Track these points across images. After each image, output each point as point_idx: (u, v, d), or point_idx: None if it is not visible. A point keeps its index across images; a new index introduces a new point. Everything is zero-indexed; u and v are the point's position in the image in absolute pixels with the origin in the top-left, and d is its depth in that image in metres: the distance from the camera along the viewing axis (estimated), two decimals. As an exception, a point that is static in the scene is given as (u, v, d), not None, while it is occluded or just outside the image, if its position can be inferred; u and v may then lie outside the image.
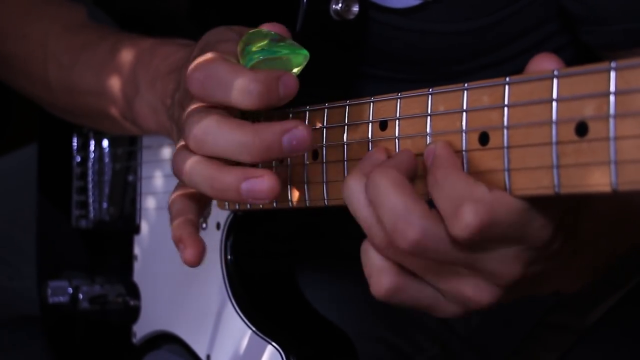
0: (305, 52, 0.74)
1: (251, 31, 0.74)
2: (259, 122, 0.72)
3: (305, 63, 0.74)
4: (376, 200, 0.64)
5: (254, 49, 0.73)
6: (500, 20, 0.92)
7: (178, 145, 0.77)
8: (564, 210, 0.65)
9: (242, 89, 0.70)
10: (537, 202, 0.63)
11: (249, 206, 0.86)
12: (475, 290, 0.66)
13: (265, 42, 0.73)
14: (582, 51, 0.96)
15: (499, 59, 0.96)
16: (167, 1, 1.11)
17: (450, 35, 0.92)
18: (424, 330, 1.04)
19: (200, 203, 0.81)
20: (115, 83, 0.96)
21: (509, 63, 0.95)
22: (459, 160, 0.66)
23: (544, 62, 0.63)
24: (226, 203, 0.88)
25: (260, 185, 0.70)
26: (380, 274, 0.66)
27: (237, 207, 0.88)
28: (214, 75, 0.71)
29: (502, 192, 0.63)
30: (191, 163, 0.73)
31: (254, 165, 0.74)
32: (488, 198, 0.62)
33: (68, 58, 1.04)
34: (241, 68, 0.71)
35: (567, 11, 0.90)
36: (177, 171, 0.75)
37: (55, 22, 1.07)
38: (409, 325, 1.04)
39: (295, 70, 0.74)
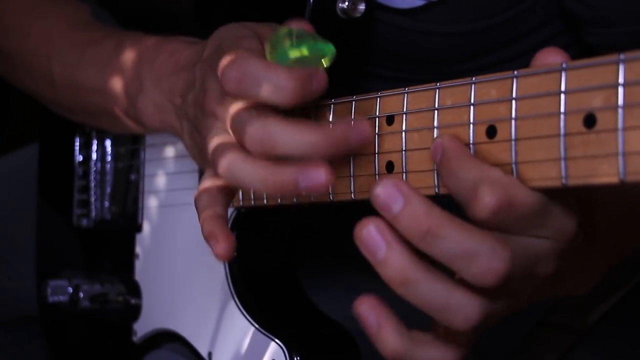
0: (332, 48, 0.75)
1: (279, 31, 0.75)
2: (319, 122, 0.73)
3: (333, 58, 0.75)
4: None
5: (284, 47, 0.73)
6: (504, 21, 0.92)
7: (215, 143, 0.76)
8: (579, 205, 0.65)
9: (278, 86, 0.71)
10: (552, 193, 0.64)
11: (252, 202, 0.87)
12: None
13: (293, 40, 0.74)
14: (585, 52, 0.97)
15: (501, 59, 0.96)
16: (170, 1, 1.11)
17: (453, 36, 0.93)
18: (427, 328, 1.04)
19: (228, 195, 0.81)
20: (118, 80, 0.96)
21: (511, 63, 0.96)
22: (469, 150, 0.66)
23: (550, 56, 0.64)
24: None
25: (319, 176, 0.69)
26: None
27: (240, 203, 0.88)
28: (250, 72, 0.72)
29: (518, 179, 0.63)
30: (236, 160, 0.73)
31: None
32: (504, 180, 0.62)
33: (72, 55, 1.04)
34: (275, 65, 0.72)
35: (570, 13, 0.91)
36: (215, 168, 0.74)
37: (60, 20, 1.08)
38: (411, 325, 1.03)
39: (325, 65, 0.75)
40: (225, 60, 0.73)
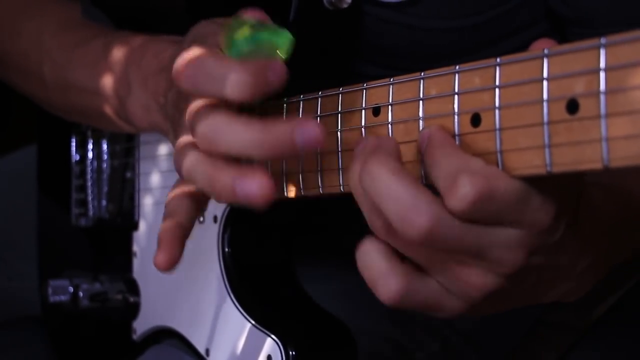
0: (289, 35, 0.73)
1: (231, 22, 0.73)
2: (267, 118, 0.71)
3: (290, 46, 0.73)
4: (374, 190, 0.63)
5: (237, 39, 0.72)
6: (491, 19, 0.91)
7: (180, 143, 0.76)
8: (563, 199, 0.64)
9: (233, 81, 0.69)
10: (534, 183, 0.63)
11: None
12: (479, 279, 0.65)
13: (247, 30, 0.72)
14: None
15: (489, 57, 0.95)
16: None
17: (439, 32, 0.92)
18: (425, 326, 1.04)
19: (198, 202, 0.81)
20: (108, 82, 0.96)
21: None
22: (454, 141, 0.65)
23: (544, 46, 0.63)
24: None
25: (250, 184, 0.68)
26: (387, 278, 0.65)
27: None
28: (203, 70, 0.70)
29: (500, 170, 0.62)
30: (193, 160, 0.72)
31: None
32: (485, 171, 0.61)
33: (62, 56, 1.04)
34: (229, 60, 0.70)
35: (554, 12, 0.90)
36: (178, 168, 0.74)
37: (50, 20, 1.07)
38: (409, 321, 1.03)
39: (282, 55, 0.73)
40: (180, 60, 0.72)
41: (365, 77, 0.97)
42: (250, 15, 0.73)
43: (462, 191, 0.60)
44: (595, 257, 0.72)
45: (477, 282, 0.65)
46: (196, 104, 0.73)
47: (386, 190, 0.62)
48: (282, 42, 0.72)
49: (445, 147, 0.64)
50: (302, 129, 0.67)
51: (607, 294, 1.01)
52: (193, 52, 0.72)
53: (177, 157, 0.74)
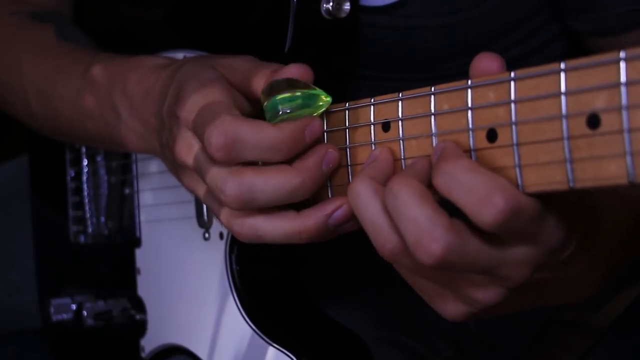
0: (324, 96, 0.75)
1: (271, 83, 0.74)
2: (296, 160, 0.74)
3: (327, 106, 0.75)
4: (397, 211, 0.63)
5: (278, 102, 0.73)
6: (486, 12, 0.90)
7: (201, 195, 0.80)
8: (575, 217, 0.64)
9: (271, 148, 0.72)
10: (550, 201, 0.62)
11: None
12: (484, 294, 0.65)
13: (287, 94, 0.73)
14: (575, 41, 0.95)
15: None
16: (143, 10, 1.08)
17: (434, 30, 0.91)
18: (439, 331, 1.03)
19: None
20: (94, 110, 0.95)
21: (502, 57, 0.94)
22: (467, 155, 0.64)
23: (485, 61, 0.64)
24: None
25: (345, 211, 0.73)
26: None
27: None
28: (239, 140, 0.72)
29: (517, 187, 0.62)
30: (259, 224, 0.75)
31: None
32: (512, 188, 0.61)
33: (44, 86, 1.01)
34: (263, 126, 0.72)
35: (559, 2, 0.89)
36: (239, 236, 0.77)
37: (26, 48, 1.04)
38: (423, 327, 1.02)
39: (319, 112, 0.75)
40: (211, 129, 0.72)
41: (362, 78, 0.96)
42: (295, 70, 0.74)
43: (498, 206, 0.59)
44: (608, 268, 0.71)
45: (481, 297, 0.66)
46: (216, 169, 0.74)
47: (406, 212, 0.62)
48: (320, 104, 0.74)
49: (462, 163, 0.63)
50: (326, 157, 0.74)
51: (618, 291, 1.00)
52: (221, 121, 0.73)
53: (230, 225, 0.77)
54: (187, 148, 0.79)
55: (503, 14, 0.90)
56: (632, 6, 0.85)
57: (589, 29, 0.89)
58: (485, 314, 0.68)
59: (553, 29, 0.94)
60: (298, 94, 0.74)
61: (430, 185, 0.64)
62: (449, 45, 0.92)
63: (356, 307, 1.01)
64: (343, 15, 0.85)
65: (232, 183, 0.73)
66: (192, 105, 0.77)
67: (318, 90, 0.74)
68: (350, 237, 0.82)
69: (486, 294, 0.65)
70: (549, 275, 0.66)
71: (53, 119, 1.01)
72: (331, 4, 0.84)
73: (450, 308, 0.68)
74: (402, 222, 0.62)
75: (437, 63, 0.94)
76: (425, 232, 0.61)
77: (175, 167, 0.84)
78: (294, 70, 0.74)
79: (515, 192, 0.61)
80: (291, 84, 0.74)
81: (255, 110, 0.79)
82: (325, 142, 0.78)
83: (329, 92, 0.77)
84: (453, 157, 0.63)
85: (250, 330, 0.90)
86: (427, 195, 0.62)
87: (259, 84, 0.77)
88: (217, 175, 0.73)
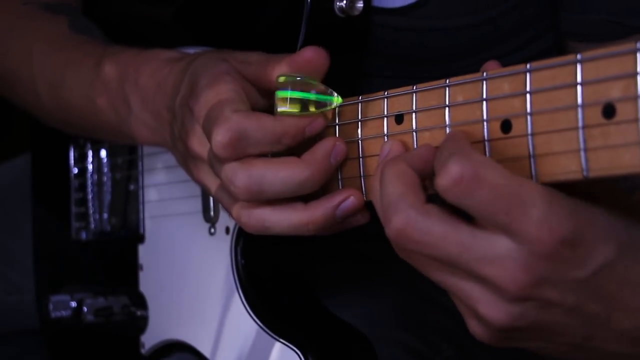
0: (333, 99, 0.77)
1: (286, 77, 0.76)
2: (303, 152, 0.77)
3: (335, 106, 0.77)
4: (381, 190, 0.65)
5: (288, 95, 0.75)
6: (500, 14, 0.91)
7: (212, 188, 0.81)
8: (587, 230, 0.60)
9: (273, 142, 0.75)
10: (549, 197, 0.60)
11: None
12: (482, 299, 0.62)
13: (300, 92, 0.76)
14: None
15: (500, 53, 0.95)
16: (153, 6, 1.09)
17: (449, 32, 0.92)
18: (441, 331, 1.04)
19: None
20: (105, 102, 0.96)
21: (510, 57, 0.95)
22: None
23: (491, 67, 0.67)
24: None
25: (352, 202, 0.76)
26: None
27: None
28: (243, 136, 0.75)
29: (494, 162, 0.61)
30: (267, 215, 0.77)
31: None
32: (479, 157, 0.61)
33: (55, 77, 1.02)
34: (266, 121, 0.75)
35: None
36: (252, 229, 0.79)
37: (38, 38, 1.05)
38: (425, 327, 1.03)
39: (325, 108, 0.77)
40: (217, 127, 0.75)
41: (374, 77, 0.97)
42: (310, 55, 0.76)
43: (451, 170, 0.60)
44: None
45: (479, 303, 0.62)
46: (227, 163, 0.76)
47: (384, 189, 0.65)
48: (328, 103, 0.77)
49: (456, 138, 0.65)
50: (334, 150, 0.76)
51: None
52: (225, 118, 0.75)
53: (242, 218, 0.79)
54: (201, 140, 0.80)
55: (516, 14, 0.91)
56: (606, 16, 0.86)
57: (568, 31, 0.90)
58: (517, 342, 0.65)
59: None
60: (312, 97, 0.76)
61: (431, 173, 0.66)
62: (464, 44, 0.93)
63: (357, 306, 1.02)
64: (356, 13, 0.86)
65: (242, 174, 0.75)
66: (205, 100, 0.78)
67: (330, 97, 0.77)
68: (353, 235, 0.82)
69: (489, 308, 0.62)
70: (558, 296, 0.60)
71: (63, 110, 1.02)
72: (345, 2, 0.86)
73: (471, 326, 0.65)
74: (382, 199, 0.65)
75: (450, 61, 0.95)
76: (391, 205, 0.63)
77: (187, 160, 0.84)
78: (310, 54, 0.75)
79: (478, 162, 0.60)
80: (306, 84, 0.75)
81: (269, 102, 0.80)
82: (337, 134, 0.79)
83: (340, 90, 0.78)
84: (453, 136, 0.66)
85: (256, 326, 0.90)
86: (405, 176, 0.65)
87: (273, 74, 0.78)
88: (228, 167, 0.75)
